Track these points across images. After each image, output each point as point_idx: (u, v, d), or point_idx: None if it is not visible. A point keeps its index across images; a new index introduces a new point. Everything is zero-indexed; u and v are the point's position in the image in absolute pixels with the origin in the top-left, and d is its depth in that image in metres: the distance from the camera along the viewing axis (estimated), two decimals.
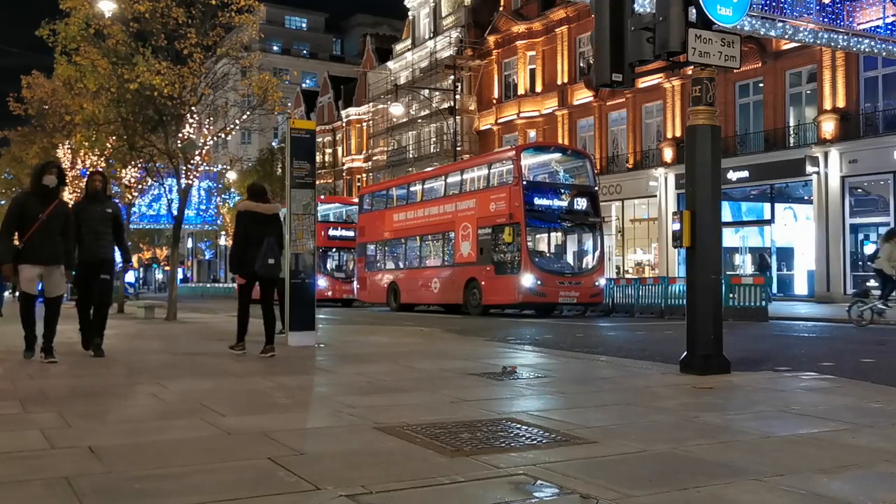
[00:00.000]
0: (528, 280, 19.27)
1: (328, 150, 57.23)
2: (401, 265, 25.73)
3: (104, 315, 8.37)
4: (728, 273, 21.28)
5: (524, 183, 20.09)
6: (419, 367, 7.19)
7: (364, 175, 52.50)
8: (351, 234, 32.20)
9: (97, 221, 8.11)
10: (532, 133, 37.40)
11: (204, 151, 16.07)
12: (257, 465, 3.33)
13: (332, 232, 31.94)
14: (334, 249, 32.32)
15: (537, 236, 20.77)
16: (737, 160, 26.28)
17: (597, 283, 20.38)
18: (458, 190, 23.06)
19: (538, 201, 20.12)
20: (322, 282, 30.49)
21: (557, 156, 22.66)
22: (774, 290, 25.40)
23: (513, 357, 7.88)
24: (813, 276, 25.64)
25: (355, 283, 29.34)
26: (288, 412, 4.71)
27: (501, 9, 39.42)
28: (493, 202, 20.87)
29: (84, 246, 7.93)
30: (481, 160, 24.61)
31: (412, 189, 26.25)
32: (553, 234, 21.56)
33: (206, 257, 75.69)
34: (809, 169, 24.88)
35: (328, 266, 31.66)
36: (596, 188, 21.60)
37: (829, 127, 24.79)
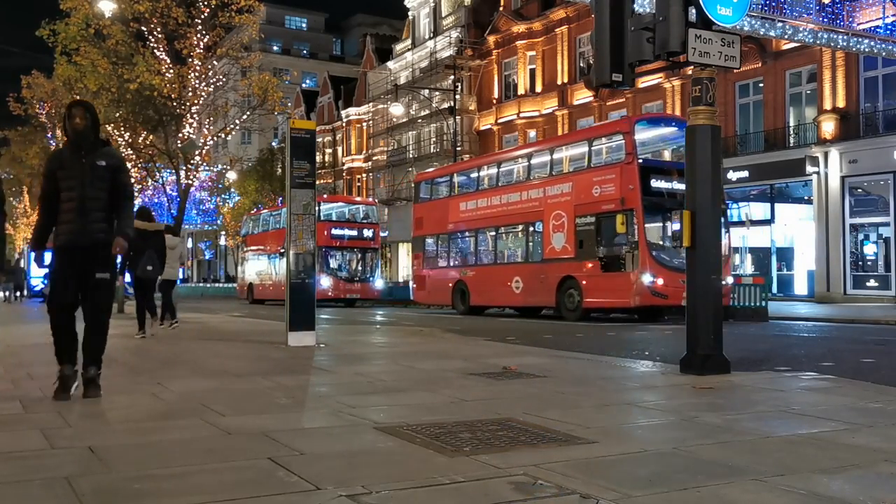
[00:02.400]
0: (646, 278, 16.32)
1: (328, 150, 57.23)
2: (470, 261, 22.70)
3: (101, 332, 5.45)
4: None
5: (639, 161, 16.89)
6: (419, 367, 7.19)
7: (364, 175, 52.50)
8: (354, 233, 31.60)
9: (84, 182, 5.20)
10: (532, 133, 37.41)
11: (204, 151, 16.09)
12: (257, 465, 3.33)
13: (335, 231, 31.29)
14: (337, 249, 31.58)
15: (655, 225, 17.34)
16: (737, 160, 26.29)
17: (724, 283, 17.64)
18: (547, 172, 19.68)
19: (656, 184, 16.97)
20: (325, 281, 29.92)
21: (673, 129, 18.97)
22: (774, 290, 25.42)
23: (513, 357, 7.88)
24: (813, 276, 25.65)
25: (410, 282, 27.07)
26: (288, 412, 4.71)
27: (501, 9, 39.43)
28: (596, 185, 17.69)
29: (63, 222, 5.23)
30: (579, 136, 21.47)
31: (485, 173, 22.96)
32: (674, 224, 17.23)
33: (207, 257, 75.68)
34: (809, 169, 24.89)
35: (331, 265, 31.08)
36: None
37: (829, 127, 24.80)
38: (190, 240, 71.68)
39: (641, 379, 6.18)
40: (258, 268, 36.25)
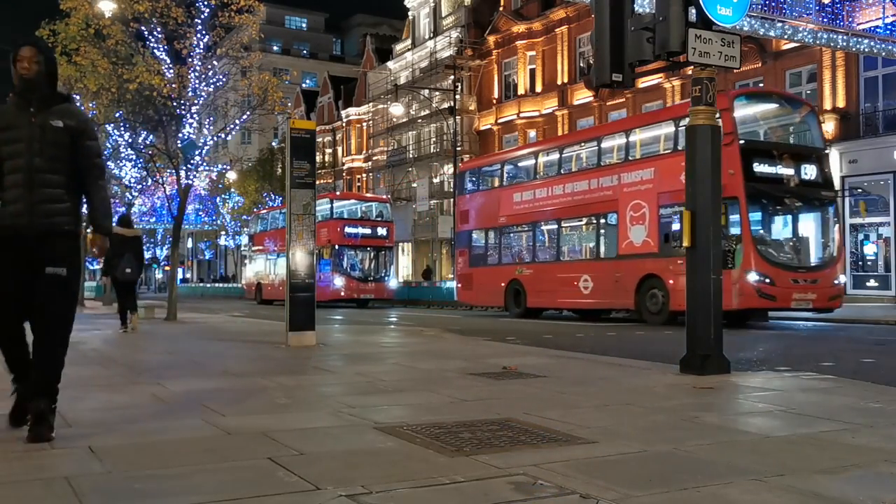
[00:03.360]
0: (752, 277, 14.29)
1: (328, 150, 57.24)
2: (526, 258, 20.57)
3: (54, 351, 3.99)
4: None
5: (741, 143, 14.67)
6: (419, 367, 7.19)
7: (364, 175, 52.51)
8: (368, 231, 30.68)
9: (32, 147, 3.92)
10: (532, 133, 37.42)
11: (204, 151, 16.09)
12: (257, 465, 3.33)
13: (348, 229, 30.46)
14: (350, 247, 30.65)
15: (762, 217, 15.33)
16: None
17: (836, 282, 15.44)
18: (623, 156, 17.45)
19: (761, 168, 14.96)
20: (337, 281, 29.48)
21: (778, 105, 16.88)
22: None
23: (513, 357, 7.88)
24: None
25: (455, 281, 24.94)
26: (288, 412, 4.71)
27: (501, 9, 39.44)
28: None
29: (6, 201, 3.93)
30: (663, 115, 18.84)
31: (545, 159, 20.51)
32: (782, 215, 16.01)
33: (207, 257, 75.73)
34: None
35: (344, 264, 30.31)
36: (827, 150, 16.56)
37: (828, 127, 24.77)
38: (190, 240, 71.74)
39: (641, 379, 6.18)
40: (267, 267, 35.48)
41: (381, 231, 31.31)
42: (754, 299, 14.34)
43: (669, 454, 3.53)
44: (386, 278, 31.15)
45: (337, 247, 29.92)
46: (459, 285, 23.44)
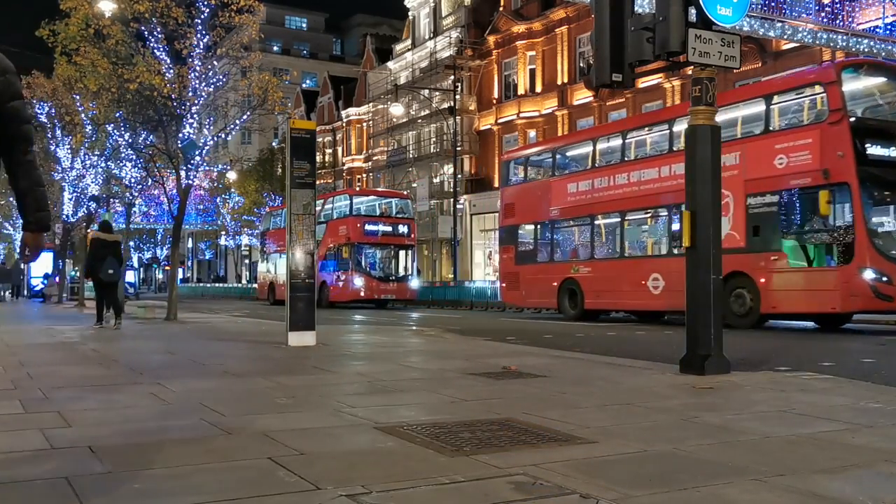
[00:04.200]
0: (868, 275, 12.66)
1: (328, 150, 57.26)
2: (583, 255, 18.82)
3: None
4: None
5: (851, 120, 13.11)
6: (419, 367, 7.19)
7: (364, 175, 52.51)
8: (389, 228, 29.45)
9: None
10: (532, 133, 37.42)
11: (204, 151, 16.09)
12: (257, 465, 3.33)
13: (368, 227, 29.17)
14: (370, 246, 29.43)
15: (877, 206, 13.52)
16: None
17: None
18: None
19: (876, 149, 13.29)
20: (357, 280, 28.46)
21: (883, 80, 14.80)
22: None
23: (513, 357, 7.88)
24: None
25: (498, 281, 23.12)
26: (288, 412, 4.71)
27: (501, 9, 39.46)
28: (780, 155, 13.90)
29: None
30: (749, 92, 16.44)
31: (605, 145, 18.69)
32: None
33: (207, 257, 75.75)
34: None
35: (363, 264, 29.09)
36: None
37: None
38: (190, 240, 71.77)
39: (641, 379, 6.18)
40: (281, 266, 35.36)
41: (403, 228, 30.06)
42: (869, 300, 12.76)
43: (669, 454, 3.53)
44: (408, 278, 29.94)
45: (357, 245, 28.84)
46: (504, 285, 21.65)
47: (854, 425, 4.21)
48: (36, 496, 2.89)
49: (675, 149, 15.82)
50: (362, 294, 28.53)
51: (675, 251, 15.60)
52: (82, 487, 2.96)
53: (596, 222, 18.48)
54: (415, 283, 30.38)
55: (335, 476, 3.11)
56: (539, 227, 20.21)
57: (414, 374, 6.66)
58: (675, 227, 15.87)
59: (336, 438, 3.92)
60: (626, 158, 17.57)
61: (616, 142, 18.18)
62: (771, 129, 14.44)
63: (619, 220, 17.69)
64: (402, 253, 30.05)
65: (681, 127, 15.63)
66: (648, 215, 17.36)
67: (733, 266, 14.05)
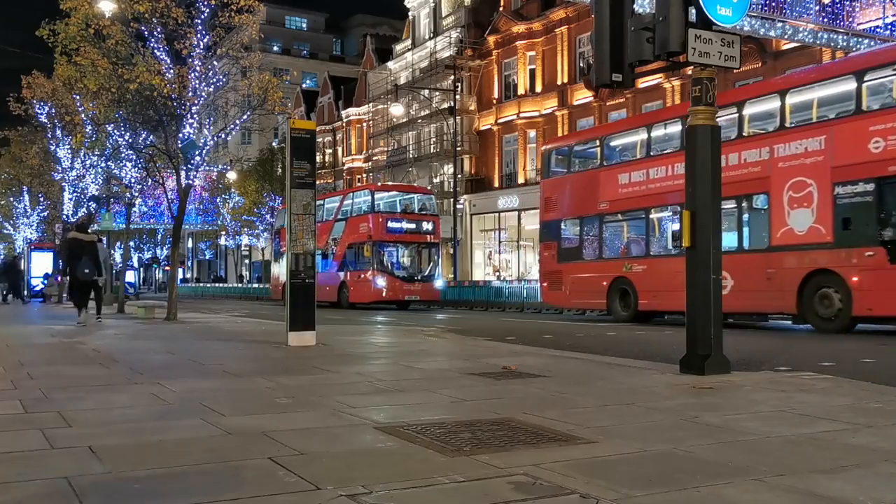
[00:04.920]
0: None
1: (328, 150, 57.28)
2: (637, 251, 17.44)
3: None
4: None
5: None
6: (419, 367, 7.19)
7: (364, 175, 52.53)
8: (412, 225, 28.15)
9: None
10: (532, 133, 37.42)
11: (204, 151, 16.08)
12: (257, 465, 3.33)
13: (391, 224, 27.77)
14: (393, 244, 27.96)
15: None
16: None
17: None
18: (776, 124, 14.43)
19: None
20: (379, 280, 27.16)
21: None
22: None
23: (513, 357, 7.88)
24: None
25: (539, 280, 21.76)
26: (288, 412, 4.71)
27: (501, 9, 39.46)
28: (876, 138, 12.62)
29: None
30: (838, 69, 14.53)
31: (662, 132, 17.17)
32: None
33: (207, 257, 75.78)
34: None
35: (385, 263, 27.69)
36: None
37: None
38: (190, 240, 71.79)
39: (641, 379, 6.18)
40: None
41: (427, 225, 28.64)
42: None
43: (669, 454, 3.53)
44: (433, 277, 28.40)
45: (378, 243, 27.48)
46: (545, 285, 20.17)
47: (854, 425, 4.21)
48: (36, 496, 2.89)
49: (743, 134, 14.90)
50: (384, 294, 27.21)
51: (747, 246, 14.77)
52: (82, 487, 2.96)
53: (652, 216, 16.95)
54: (439, 283, 29.00)
55: (335, 476, 3.11)
56: (585, 221, 18.62)
57: (414, 374, 6.66)
58: (745, 217, 14.92)
59: (336, 438, 3.92)
60: (685, 146, 16.31)
61: (674, 128, 16.51)
62: (864, 109, 13.01)
63: (678, 213, 15.58)
64: (425, 251, 28.70)
65: (750, 110, 14.98)
66: None
67: (815, 264, 13.33)
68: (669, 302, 15.80)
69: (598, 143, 19.07)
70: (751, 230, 14.87)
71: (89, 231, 14.72)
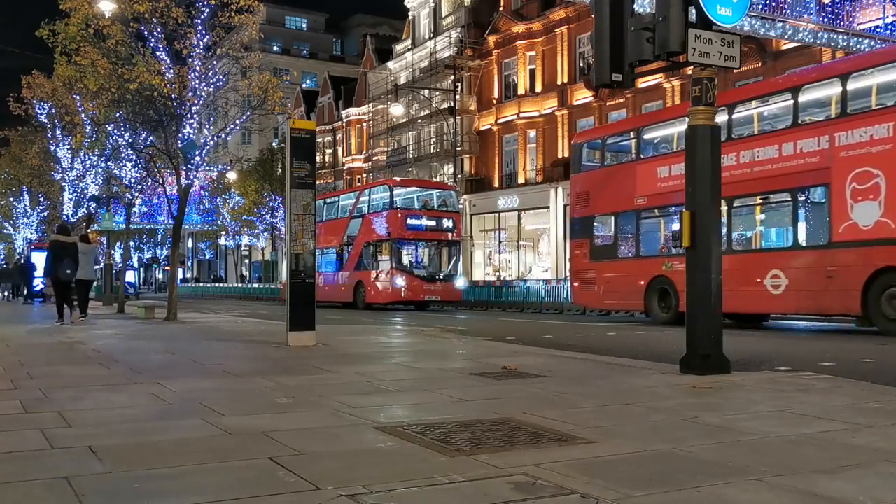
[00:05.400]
0: None
1: (328, 150, 57.28)
2: (677, 249, 15.91)
3: None
4: None
5: None
6: (419, 367, 7.19)
7: (364, 175, 52.55)
8: (433, 222, 26.77)
9: None
10: (532, 133, 37.42)
11: (204, 151, 16.09)
12: (257, 465, 3.33)
13: (411, 221, 26.39)
14: (412, 242, 26.69)
15: None
16: None
17: None
18: (839, 110, 13.31)
19: None
20: (398, 280, 25.93)
21: None
22: None
23: (513, 357, 7.88)
24: None
25: (570, 279, 20.84)
26: (288, 412, 4.71)
27: (501, 9, 39.46)
28: None
29: None
30: None
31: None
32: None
33: (207, 257, 75.79)
34: None
35: (404, 261, 26.47)
36: None
37: None
38: (190, 240, 71.80)
39: (641, 379, 6.18)
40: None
41: (447, 223, 27.24)
42: None
43: (669, 454, 3.53)
44: (454, 277, 27.11)
45: (397, 241, 26.16)
46: (576, 284, 19.08)
47: (854, 425, 4.21)
48: (36, 496, 2.89)
49: (799, 122, 13.80)
50: (404, 295, 25.99)
51: (804, 243, 13.72)
52: (82, 487, 2.96)
53: None
54: (461, 283, 27.72)
55: (335, 476, 3.11)
56: (620, 217, 17.41)
57: (414, 374, 6.66)
58: (802, 212, 13.89)
59: (336, 438, 3.92)
60: (732, 136, 14.76)
61: (719, 117, 15.96)
62: None
63: (725, 207, 14.49)
64: (445, 249, 27.33)
65: (807, 97, 13.98)
66: (764, 201, 14.81)
67: (886, 260, 12.24)
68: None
69: (634, 134, 17.78)
70: (808, 225, 13.79)
71: (73, 234, 15.94)
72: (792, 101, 14.02)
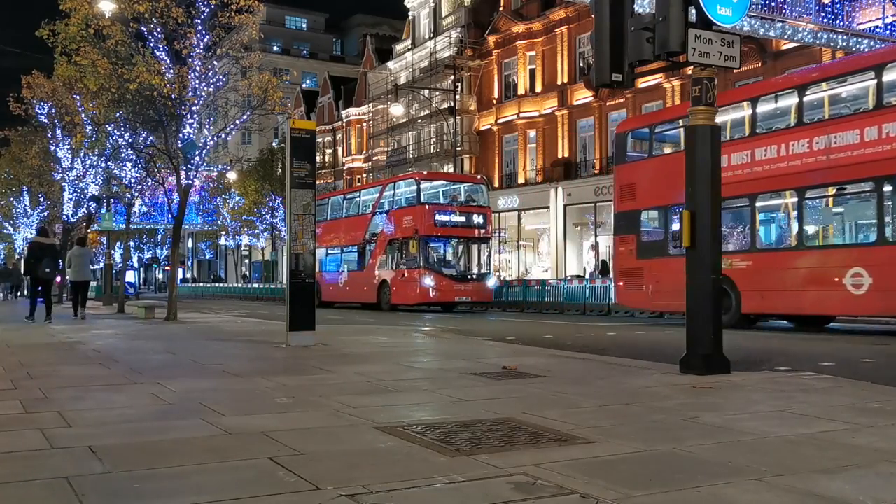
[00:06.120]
0: None
1: (328, 150, 57.27)
2: (737, 245, 14.91)
3: None
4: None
5: None
6: (419, 366, 7.19)
7: (364, 175, 52.56)
8: (462, 218, 25.19)
9: None
10: (532, 133, 37.42)
11: (204, 151, 16.09)
12: (257, 465, 3.33)
13: (439, 217, 24.81)
14: (441, 239, 25.03)
15: None
16: None
17: None
18: None
19: None
20: (426, 280, 24.20)
21: None
22: None
23: (513, 357, 7.88)
24: None
25: (613, 278, 19.75)
26: (288, 412, 4.71)
27: (501, 9, 39.45)
28: None
29: None
30: None
31: (770, 107, 14.64)
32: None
33: (207, 257, 75.78)
34: None
35: (432, 260, 24.77)
36: None
37: None
38: (190, 240, 71.81)
39: (641, 379, 6.18)
40: (329, 263, 30.05)
41: (477, 218, 25.63)
42: None
43: (669, 454, 3.53)
44: (486, 276, 25.58)
45: (425, 238, 24.45)
46: (621, 284, 17.69)
47: (854, 425, 4.21)
48: (36, 496, 2.89)
49: (884, 104, 12.60)
50: (432, 295, 24.29)
51: (891, 237, 12.44)
52: (82, 487, 2.96)
53: (759, 203, 14.47)
54: (492, 283, 26.05)
55: (335, 476, 3.11)
56: (672, 211, 15.72)
57: (414, 374, 6.66)
58: (889, 204, 12.64)
59: (336, 438, 3.92)
60: (805, 120, 13.81)
61: (789, 100, 14.10)
62: None
63: (796, 198, 13.77)
64: (475, 247, 25.71)
65: (893, 76, 12.71)
66: (842, 192, 13.68)
67: None
68: (783, 303, 13.75)
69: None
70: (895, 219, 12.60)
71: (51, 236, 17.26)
72: (875, 81, 12.76)
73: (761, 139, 14.41)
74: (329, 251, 29.86)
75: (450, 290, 24.42)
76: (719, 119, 16.27)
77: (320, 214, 31.25)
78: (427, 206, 24.97)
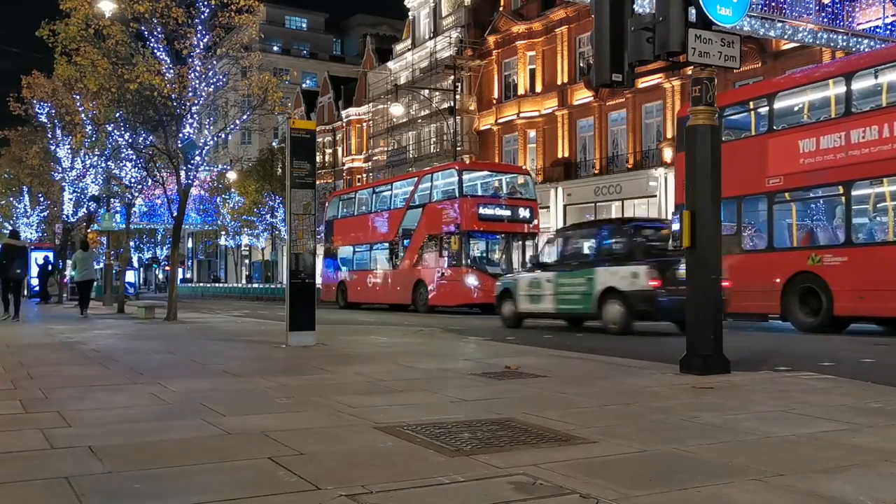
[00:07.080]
0: None
1: (328, 150, 57.27)
2: (827, 239, 13.64)
3: None
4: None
5: None
6: (419, 366, 7.19)
7: (364, 175, 52.57)
8: (508, 212, 22.94)
9: None
10: (532, 133, 37.42)
11: (204, 151, 16.09)
12: (257, 465, 3.33)
13: (483, 210, 22.55)
14: (484, 235, 23.01)
15: None
16: None
17: None
18: None
19: None
20: (469, 279, 22.09)
21: None
22: None
23: (513, 357, 7.88)
24: None
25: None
26: (288, 412, 4.71)
27: (501, 9, 39.46)
28: None
29: None
30: None
31: (867, 83, 13.02)
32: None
33: (206, 258, 75.81)
34: None
35: (476, 257, 22.78)
36: None
37: None
38: (190, 240, 71.81)
39: (641, 379, 6.18)
40: (355, 261, 28.37)
41: (524, 212, 23.29)
42: None
43: (669, 454, 3.53)
44: None
45: (468, 234, 22.42)
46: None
47: (854, 425, 4.21)
48: (36, 496, 2.89)
49: None
50: (476, 296, 21.90)
51: None
52: (82, 487, 2.96)
53: (855, 192, 12.90)
54: None
55: (335, 476, 3.11)
56: (746, 202, 14.34)
57: (414, 374, 6.66)
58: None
59: (336, 438, 3.92)
60: (852, 110, 12.83)
61: (891, 75, 12.52)
62: None
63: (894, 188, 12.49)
64: (521, 243, 23.18)
65: None
66: None
67: None
68: (885, 304, 12.17)
69: (764, 102, 14.53)
70: None
71: (21, 239, 18.51)
72: None
73: (858, 119, 12.77)
74: (356, 249, 28.25)
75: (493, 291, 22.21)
76: (818, 95, 13.71)
77: (346, 209, 30.16)
78: (470, 199, 22.81)
